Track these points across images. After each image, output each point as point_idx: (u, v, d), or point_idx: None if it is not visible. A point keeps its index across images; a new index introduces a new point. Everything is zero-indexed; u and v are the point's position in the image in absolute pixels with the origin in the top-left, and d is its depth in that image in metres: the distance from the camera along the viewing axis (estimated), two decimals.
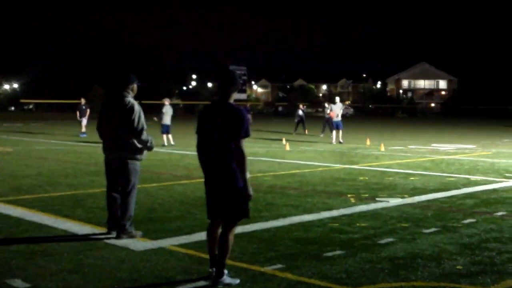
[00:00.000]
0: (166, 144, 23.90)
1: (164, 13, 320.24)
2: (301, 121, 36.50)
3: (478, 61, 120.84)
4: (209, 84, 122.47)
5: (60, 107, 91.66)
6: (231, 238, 5.71)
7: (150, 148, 7.78)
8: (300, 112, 36.47)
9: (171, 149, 22.31)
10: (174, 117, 25.07)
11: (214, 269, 5.75)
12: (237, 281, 5.75)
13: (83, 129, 31.90)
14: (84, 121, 32.45)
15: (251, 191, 5.62)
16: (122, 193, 7.67)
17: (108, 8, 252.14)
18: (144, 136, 7.63)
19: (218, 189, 5.67)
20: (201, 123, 5.80)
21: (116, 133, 7.60)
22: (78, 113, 33.20)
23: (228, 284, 5.67)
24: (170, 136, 24.35)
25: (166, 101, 24.84)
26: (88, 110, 32.87)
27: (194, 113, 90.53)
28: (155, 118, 24.87)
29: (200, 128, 5.80)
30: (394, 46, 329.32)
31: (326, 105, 32.77)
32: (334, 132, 27.41)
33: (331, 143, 26.89)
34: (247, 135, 5.58)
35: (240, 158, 5.54)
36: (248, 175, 5.59)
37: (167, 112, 24.29)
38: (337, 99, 28.51)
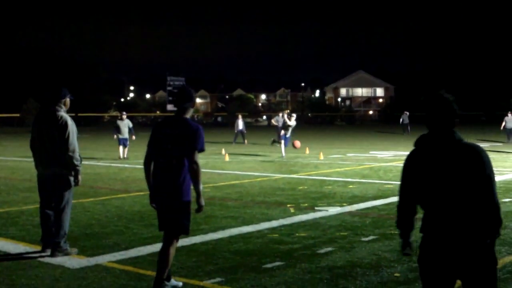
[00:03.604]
0: (121, 157, 23.51)
1: (100, 24, 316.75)
2: (241, 131, 36.42)
3: (413, 67, 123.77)
4: (147, 96, 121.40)
5: None
6: (172, 252, 5.72)
7: (77, 171, 7.52)
8: (240, 122, 36.32)
9: (109, 163, 21.96)
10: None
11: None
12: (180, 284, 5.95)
13: None
14: None
15: (203, 201, 5.68)
16: (55, 210, 7.47)
17: (43, 21, 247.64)
18: (76, 154, 7.43)
19: (164, 202, 5.71)
20: (155, 135, 5.84)
21: (48, 149, 7.41)
22: None
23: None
24: (125, 149, 23.99)
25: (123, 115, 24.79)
26: None
27: (133, 124, 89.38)
28: (115, 136, 24.34)
29: (153, 140, 5.84)
30: (332, 55, 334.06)
31: (280, 114, 31.80)
32: (282, 143, 25.93)
33: (281, 157, 24.58)
34: (202, 149, 5.67)
35: (195, 170, 5.59)
36: (201, 187, 5.65)
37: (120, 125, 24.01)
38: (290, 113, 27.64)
